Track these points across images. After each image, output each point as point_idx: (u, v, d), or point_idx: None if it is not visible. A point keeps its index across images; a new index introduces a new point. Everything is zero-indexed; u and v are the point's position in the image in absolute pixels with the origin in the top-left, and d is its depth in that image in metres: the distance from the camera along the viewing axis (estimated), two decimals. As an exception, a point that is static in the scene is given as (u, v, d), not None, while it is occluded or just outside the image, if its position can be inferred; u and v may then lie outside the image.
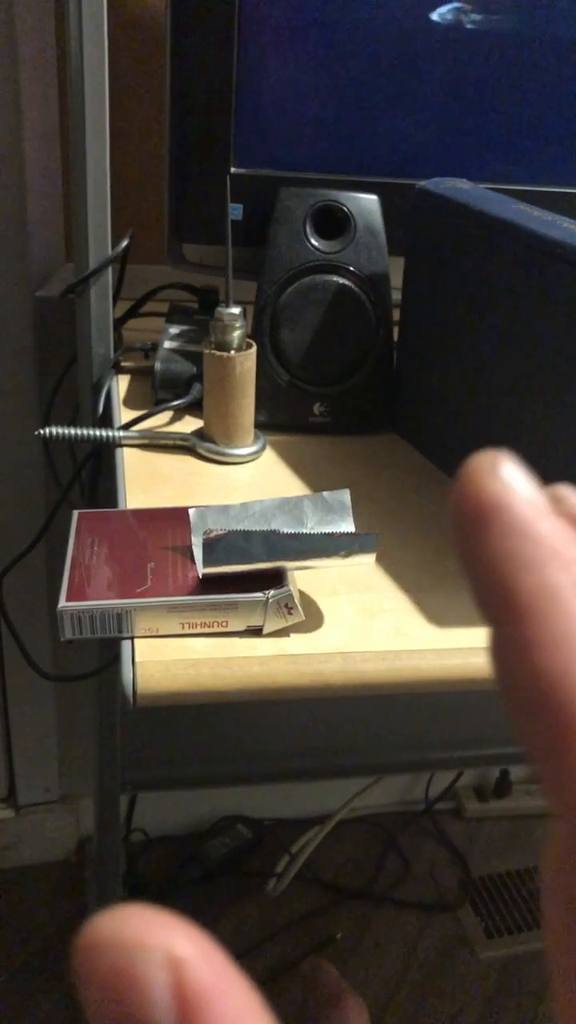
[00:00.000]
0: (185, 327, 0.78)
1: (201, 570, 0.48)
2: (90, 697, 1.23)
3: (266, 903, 1.35)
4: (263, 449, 0.68)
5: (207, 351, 0.64)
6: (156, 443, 0.67)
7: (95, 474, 0.76)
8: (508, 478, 0.15)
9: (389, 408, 0.73)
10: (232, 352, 0.63)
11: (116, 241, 0.75)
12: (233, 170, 0.73)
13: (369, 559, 0.48)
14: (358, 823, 1.48)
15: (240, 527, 0.52)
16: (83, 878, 1.38)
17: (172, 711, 0.47)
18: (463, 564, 0.15)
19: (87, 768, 1.35)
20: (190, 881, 1.37)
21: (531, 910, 1.38)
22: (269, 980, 1.24)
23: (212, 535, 0.47)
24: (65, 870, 1.40)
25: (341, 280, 0.69)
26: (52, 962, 1.26)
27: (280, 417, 0.71)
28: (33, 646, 1.08)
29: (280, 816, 1.47)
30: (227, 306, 0.64)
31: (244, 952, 1.27)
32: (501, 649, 0.14)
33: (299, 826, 1.44)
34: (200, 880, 1.38)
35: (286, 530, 0.49)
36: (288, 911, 1.34)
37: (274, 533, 0.48)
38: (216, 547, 0.47)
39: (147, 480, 0.63)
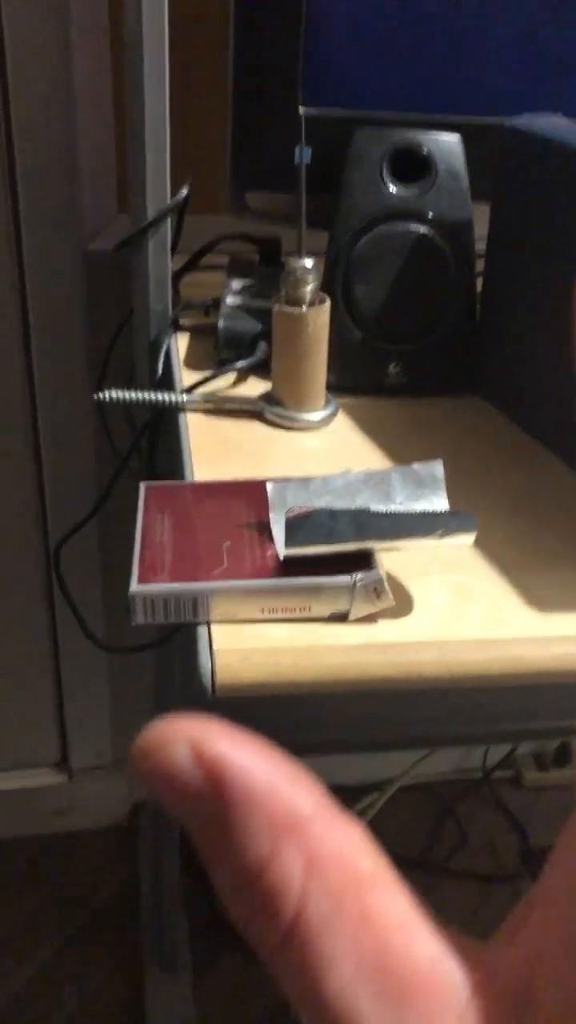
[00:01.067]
0: (248, 281, 0.74)
1: (283, 551, 0.44)
2: (144, 665, 1.20)
3: (322, 872, 1.33)
4: (335, 414, 0.63)
5: (277, 307, 0.59)
6: (221, 407, 0.63)
7: (153, 441, 0.71)
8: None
9: (471, 368, 0.68)
10: (304, 308, 0.59)
11: (175, 190, 0.70)
12: (302, 110, 0.67)
13: (468, 539, 0.44)
14: (414, 791, 1.45)
15: (322, 503, 0.47)
16: (137, 843, 1.37)
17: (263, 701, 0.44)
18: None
19: (142, 731, 1.33)
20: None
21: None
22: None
23: (295, 513, 0.43)
24: (119, 835, 1.39)
25: (421, 228, 0.63)
26: (107, 927, 1.25)
27: (352, 378, 0.66)
28: (87, 614, 1.05)
29: (337, 782, 1.44)
30: (299, 257, 0.59)
31: (300, 921, 1.26)
32: None
33: (356, 793, 1.41)
34: (255, 848, 1.36)
35: (374, 507, 0.45)
36: (344, 880, 1.32)
37: (363, 512, 0.43)
38: (300, 526, 0.43)
39: (213, 448, 0.59)
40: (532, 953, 0.14)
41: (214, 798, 0.14)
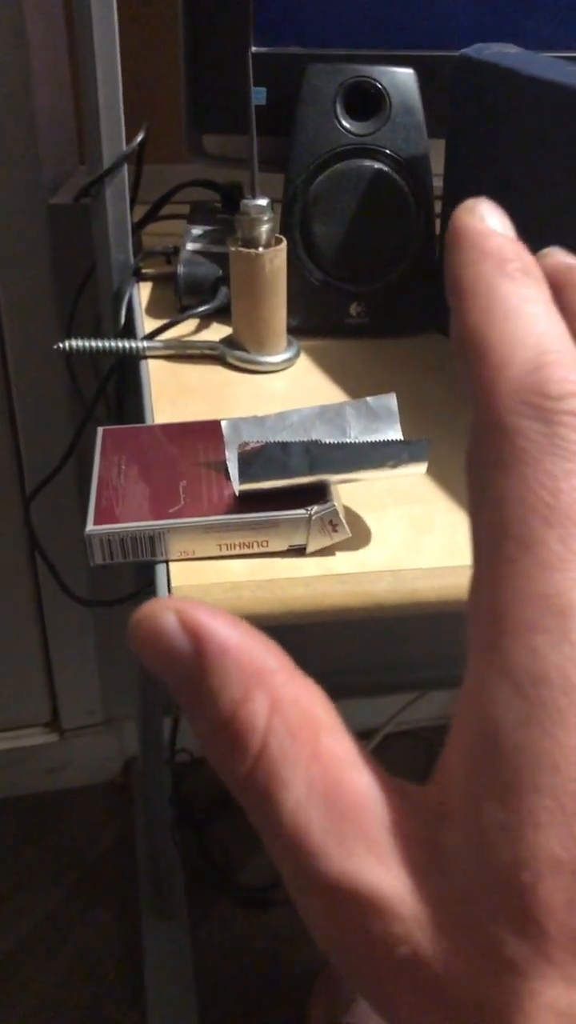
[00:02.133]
0: (208, 227, 0.73)
1: (237, 487, 0.44)
2: (129, 620, 1.21)
3: (313, 819, 1.35)
4: (297, 356, 0.63)
5: (233, 249, 0.59)
6: (182, 353, 0.62)
7: (121, 389, 0.71)
8: (480, 212, 0.20)
9: (433, 306, 0.67)
10: (260, 249, 0.58)
11: (131, 137, 0.70)
12: (254, 49, 0.66)
13: (420, 469, 0.44)
14: (403, 737, 1.47)
15: (277, 439, 0.47)
16: (130, 799, 1.39)
17: None
18: (447, 284, 0.19)
19: (130, 690, 1.34)
20: (237, 800, 1.37)
21: None
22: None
23: (248, 448, 0.43)
24: (112, 791, 1.40)
25: (377, 165, 0.63)
26: (104, 879, 1.28)
27: (314, 320, 0.66)
28: (68, 570, 1.06)
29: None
30: (253, 198, 0.58)
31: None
32: (453, 328, 0.19)
33: (344, 742, 1.42)
34: (246, 798, 1.37)
35: (328, 440, 0.45)
36: (336, 826, 1.34)
37: (315, 444, 0.43)
38: (253, 461, 0.43)
39: (174, 393, 0.59)
40: (445, 779, 0.17)
41: (195, 654, 0.17)
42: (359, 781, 0.17)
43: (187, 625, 0.17)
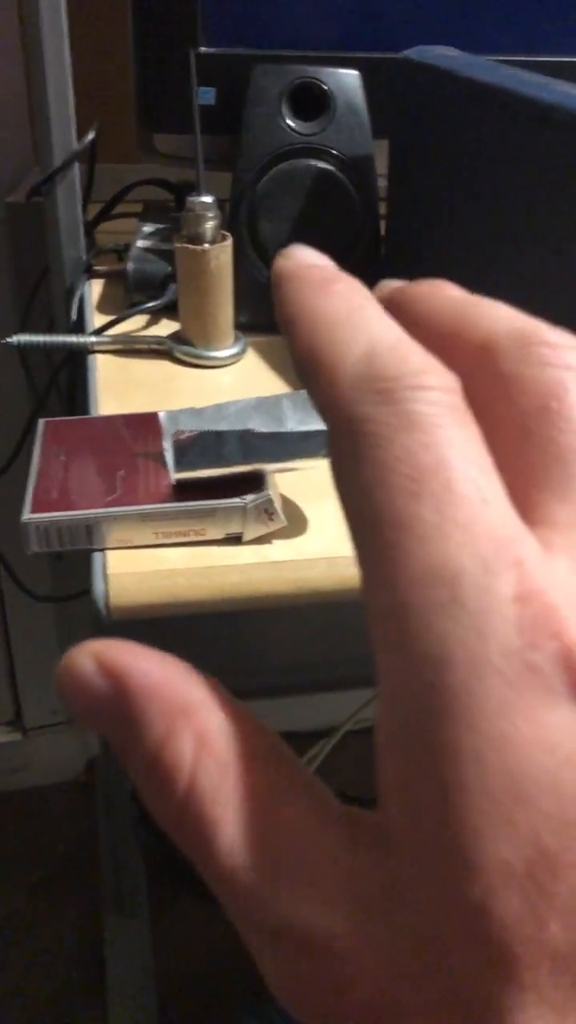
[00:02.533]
0: (160, 225, 0.74)
1: (173, 475, 0.45)
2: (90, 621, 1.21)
3: (276, 815, 1.36)
4: (244, 351, 0.64)
5: (179, 245, 0.60)
6: (130, 348, 0.63)
7: (73, 383, 0.72)
8: (296, 254, 0.21)
9: (378, 303, 0.69)
10: (206, 245, 0.59)
11: (83, 135, 0.70)
12: (201, 49, 0.67)
13: (353, 458, 0.45)
14: (364, 734, 1.48)
15: (216, 429, 0.48)
16: (93, 797, 1.39)
17: (168, 630, 0.45)
18: (279, 325, 0.19)
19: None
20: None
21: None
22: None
23: (183, 436, 0.44)
24: (76, 790, 1.41)
25: (322, 164, 0.64)
26: (67, 877, 1.28)
27: (262, 317, 0.67)
28: (24, 567, 1.06)
29: (285, 729, 1.47)
30: (199, 195, 0.59)
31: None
32: (293, 358, 0.19)
33: (305, 739, 1.43)
34: (209, 795, 1.38)
35: (263, 430, 0.46)
36: (298, 822, 1.35)
37: (249, 433, 0.44)
38: (188, 450, 0.44)
39: (121, 387, 0.60)
40: (383, 800, 0.15)
41: (116, 695, 0.16)
42: (299, 814, 0.16)
43: (106, 667, 0.17)
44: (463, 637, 0.14)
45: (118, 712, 0.16)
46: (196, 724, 0.16)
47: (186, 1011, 1.11)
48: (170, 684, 0.17)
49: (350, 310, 0.18)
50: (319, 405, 0.17)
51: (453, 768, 0.13)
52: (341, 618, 0.50)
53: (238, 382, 0.61)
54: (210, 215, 0.59)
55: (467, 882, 0.13)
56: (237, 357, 0.63)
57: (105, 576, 0.44)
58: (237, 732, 0.16)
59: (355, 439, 0.16)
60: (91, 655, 0.17)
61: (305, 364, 0.18)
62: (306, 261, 0.20)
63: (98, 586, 0.44)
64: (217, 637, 0.51)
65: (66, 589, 1.19)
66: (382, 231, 0.68)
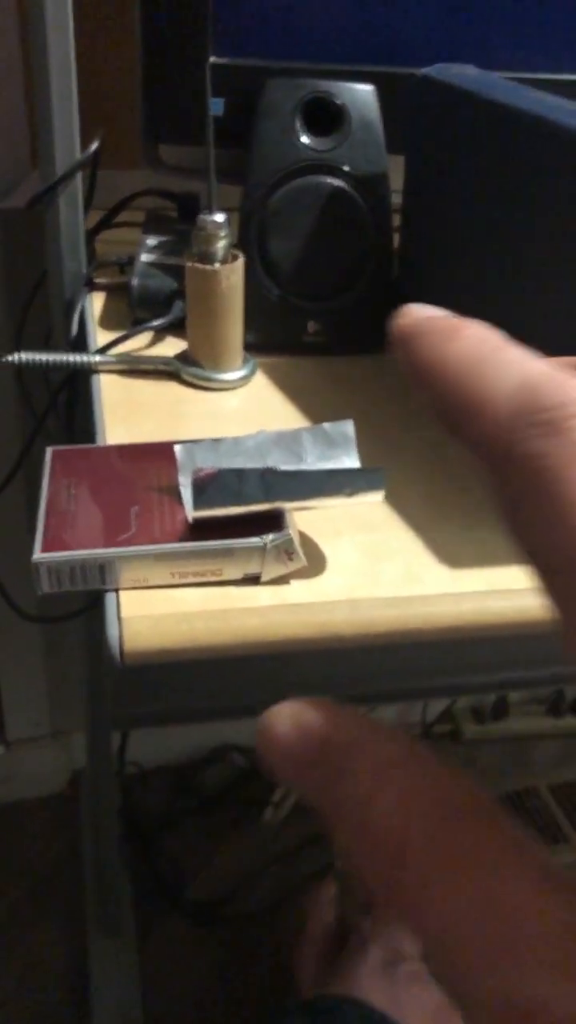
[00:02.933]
0: (164, 238, 0.72)
1: (191, 514, 0.43)
2: (77, 636, 1.19)
3: (264, 832, 1.34)
4: (253, 373, 0.62)
5: (189, 264, 0.58)
6: (136, 368, 0.61)
7: (71, 403, 0.70)
8: (412, 311, 0.20)
9: (390, 324, 0.67)
10: (217, 265, 0.57)
11: (86, 144, 0.68)
12: (213, 60, 0.65)
13: (377, 497, 0.43)
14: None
15: (232, 464, 0.46)
16: (77, 811, 1.37)
17: (181, 673, 0.43)
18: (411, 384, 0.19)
19: (77, 702, 1.32)
20: (186, 812, 1.36)
21: (533, 829, 1.38)
22: (269, 909, 1.24)
23: (202, 474, 0.42)
24: (59, 804, 1.38)
25: (335, 182, 0.62)
26: (51, 893, 1.25)
27: (271, 337, 0.65)
28: (15, 585, 1.03)
29: (275, 744, 1.45)
30: (210, 212, 0.57)
31: (242, 881, 1.26)
32: (437, 411, 0.18)
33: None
34: (197, 811, 1.36)
35: (283, 467, 0.44)
36: (286, 839, 1.33)
37: (270, 471, 0.42)
38: (207, 488, 0.42)
39: (127, 410, 0.58)
40: None
41: (319, 755, 0.17)
42: (516, 879, 0.15)
43: (304, 728, 0.17)
44: None
45: (323, 772, 0.17)
46: (402, 778, 0.16)
47: (173, 1035, 1.09)
48: (374, 739, 0.17)
49: (492, 348, 0.18)
50: (475, 447, 0.17)
51: None
52: (363, 662, 0.49)
53: (247, 406, 0.59)
54: (222, 234, 0.57)
55: None
56: (246, 379, 0.61)
57: (119, 619, 0.42)
58: (446, 786, 0.16)
59: (529, 477, 0.16)
60: (289, 717, 0.18)
61: (453, 408, 0.17)
62: (426, 314, 0.20)
63: (112, 631, 0.42)
64: (235, 680, 0.49)
65: (53, 608, 1.16)
66: (394, 248, 0.66)
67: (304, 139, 0.62)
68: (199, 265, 0.57)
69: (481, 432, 0.17)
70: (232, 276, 0.58)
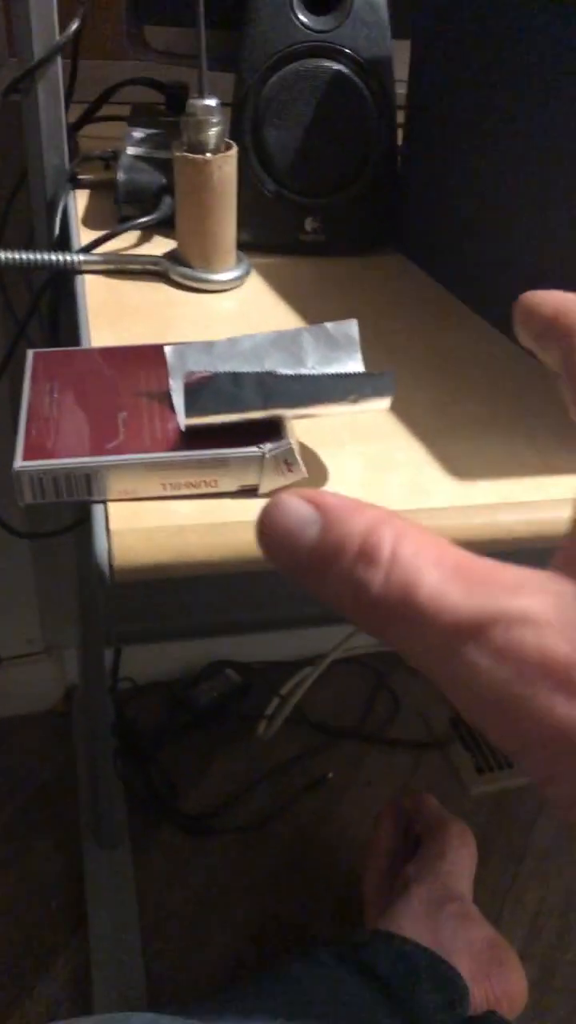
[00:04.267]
0: (152, 130, 0.67)
1: (183, 421, 0.40)
2: (69, 551, 1.17)
3: (257, 746, 1.34)
4: (247, 274, 0.59)
5: (178, 154, 0.54)
6: (122, 268, 0.57)
7: (55, 308, 0.66)
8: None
9: (393, 224, 0.63)
10: (208, 154, 0.53)
11: (65, 25, 0.63)
12: None
13: (384, 404, 0.40)
14: (348, 664, 1.46)
15: (227, 367, 0.43)
16: (72, 726, 1.37)
17: (169, 580, 0.41)
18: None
19: (70, 618, 1.31)
20: (180, 727, 1.36)
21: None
22: (262, 821, 1.25)
23: (195, 378, 0.39)
24: (53, 719, 1.38)
25: (336, 66, 0.58)
26: (45, 810, 1.26)
27: (266, 235, 0.61)
28: (4, 498, 1.01)
29: (269, 659, 1.45)
30: (200, 97, 0.53)
31: (236, 795, 1.27)
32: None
33: (289, 669, 1.41)
34: (190, 726, 1.36)
35: (283, 370, 0.41)
36: (279, 753, 1.34)
37: (270, 375, 0.39)
38: (200, 393, 0.39)
39: (114, 313, 0.54)
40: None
41: (320, 517, 0.20)
42: (482, 561, 0.19)
43: (309, 499, 0.20)
44: None
45: (320, 530, 0.20)
46: (392, 525, 0.19)
47: (170, 942, 1.11)
48: (366, 507, 0.20)
49: None
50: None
51: None
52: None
53: (241, 308, 0.56)
54: (214, 120, 0.53)
55: None
56: (240, 280, 0.58)
57: (108, 532, 0.39)
58: (427, 533, 0.20)
59: None
60: (294, 492, 0.21)
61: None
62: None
63: (100, 544, 0.39)
64: (224, 591, 0.47)
65: (43, 523, 1.14)
66: (398, 143, 0.62)
67: (302, 17, 0.57)
68: (189, 155, 0.53)
69: None
70: (225, 167, 0.54)
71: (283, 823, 1.25)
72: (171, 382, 0.43)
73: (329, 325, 0.44)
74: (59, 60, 0.62)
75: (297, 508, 0.20)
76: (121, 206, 0.62)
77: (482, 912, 0.99)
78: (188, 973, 1.08)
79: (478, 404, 0.49)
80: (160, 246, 0.60)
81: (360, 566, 0.19)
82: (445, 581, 0.19)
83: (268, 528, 0.21)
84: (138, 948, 1.09)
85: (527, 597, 0.18)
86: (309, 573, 0.20)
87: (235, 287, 0.58)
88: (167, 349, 0.43)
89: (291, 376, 0.40)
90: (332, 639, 1.38)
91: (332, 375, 0.40)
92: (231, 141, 0.55)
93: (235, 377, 0.39)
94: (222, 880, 1.18)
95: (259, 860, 1.21)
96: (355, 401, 0.40)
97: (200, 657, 1.43)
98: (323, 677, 1.41)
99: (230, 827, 1.23)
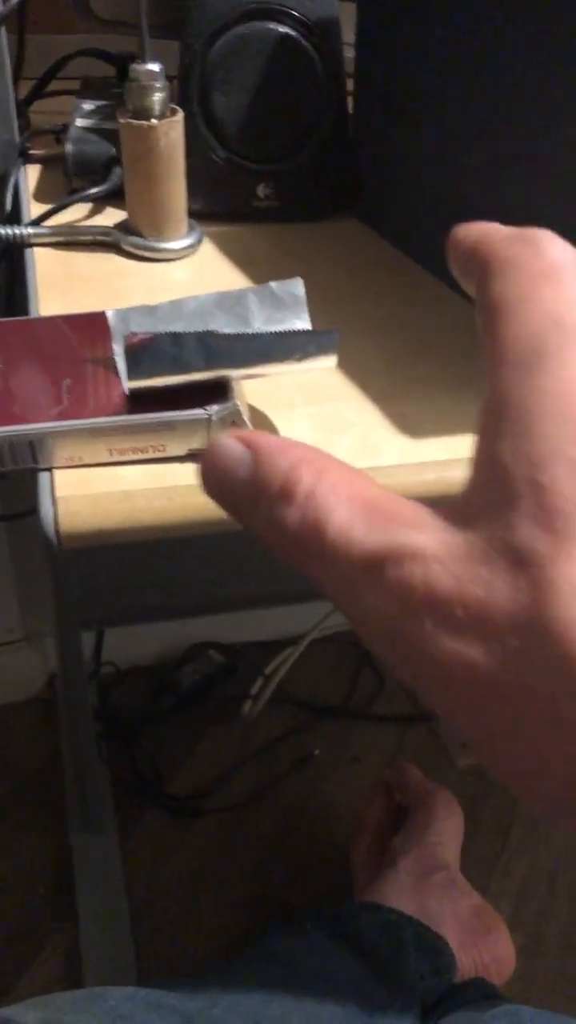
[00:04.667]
0: (102, 102, 0.66)
1: (126, 385, 0.40)
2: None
3: (242, 726, 1.34)
4: (199, 242, 0.58)
5: (123, 121, 0.53)
6: (73, 240, 0.57)
7: (9, 280, 0.65)
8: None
9: (347, 188, 0.62)
10: (153, 120, 0.52)
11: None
12: None
13: (330, 362, 0.40)
14: (331, 642, 1.46)
15: (171, 330, 0.43)
16: (56, 714, 1.36)
17: (130, 552, 0.41)
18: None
19: (49, 605, 1.30)
20: (165, 710, 1.35)
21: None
22: (249, 801, 1.25)
23: (135, 340, 0.39)
24: (37, 707, 1.38)
25: (282, 28, 0.57)
26: (31, 797, 1.26)
27: (218, 203, 0.60)
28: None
29: (253, 640, 1.45)
30: (143, 62, 0.52)
31: (223, 775, 1.27)
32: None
33: (272, 648, 1.41)
34: (175, 709, 1.36)
35: (226, 331, 0.40)
36: (265, 732, 1.34)
37: (211, 335, 0.39)
38: (142, 356, 0.39)
39: (65, 284, 0.54)
40: (467, 490, 0.19)
41: (250, 456, 0.21)
42: (394, 498, 0.20)
43: (242, 439, 0.21)
44: (557, 336, 0.20)
45: (250, 467, 0.21)
46: (315, 462, 0.20)
47: (159, 926, 1.11)
48: (294, 445, 0.21)
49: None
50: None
51: (538, 404, 0.19)
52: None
53: (194, 277, 0.55)
54: (157, 85, 0.52)
55: (537, 471, 0.18)
56: (192, 249, 0.57)
57: (53, 498, 0.39)
58: (347, 468, 0.20)
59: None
60: (232, 434, 0.21)
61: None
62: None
63: (46, 510, 0.39)
64: (183, 559, 0.46)
65: (15, 507, 1.13)
66: (349, 108, 0.61)
67: (246, -21, 0.56)
68: (134, 121, 0.53)
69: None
70: (171, 132, 0.53)
71: (270, 802, 1.25)
72: (114, 347, 0.42)
73: (274, 284, 0.44)
74: (3, 33, 0.61)
75: (231, 448, 0.21)
76: (71, 178, 0.61)
77: (470, 882, 1.00)
78: (179, 954, 1.08)
79: (431, 364, 0.49)
80: (112, 217, 0.60)
81: (279, 504, 0.20)
82: (353, 517, 0.19)
83: (206, 467, 0.22)
84: (128, 931, 1.09)
85: (421, 533, 0.19)
86: (241, 510, 0.21)
87: (187, 255, 0.57)
88: (109, 313, 0.43)
89: (233, 336, 0.39)
90: (312, 617, 1.38)
91: (275, 333, 0.39)
92: (176, 107, 0.54)
93: (176, 337, 0.39)
94: (210, 860, 1.18)
95: (247, 839, 1.21)
96: (300, 360, 0.40)
97: (182, 640, 1.43)
98: (307, 656, 1.40)
99: (217, 808, 1.23)
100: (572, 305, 0.20)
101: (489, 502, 0.18)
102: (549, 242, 0.22)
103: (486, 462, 0.19)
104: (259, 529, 0.21)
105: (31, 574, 1.26)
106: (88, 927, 1.09)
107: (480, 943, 0.95)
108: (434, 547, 0.18)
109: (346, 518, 0.19)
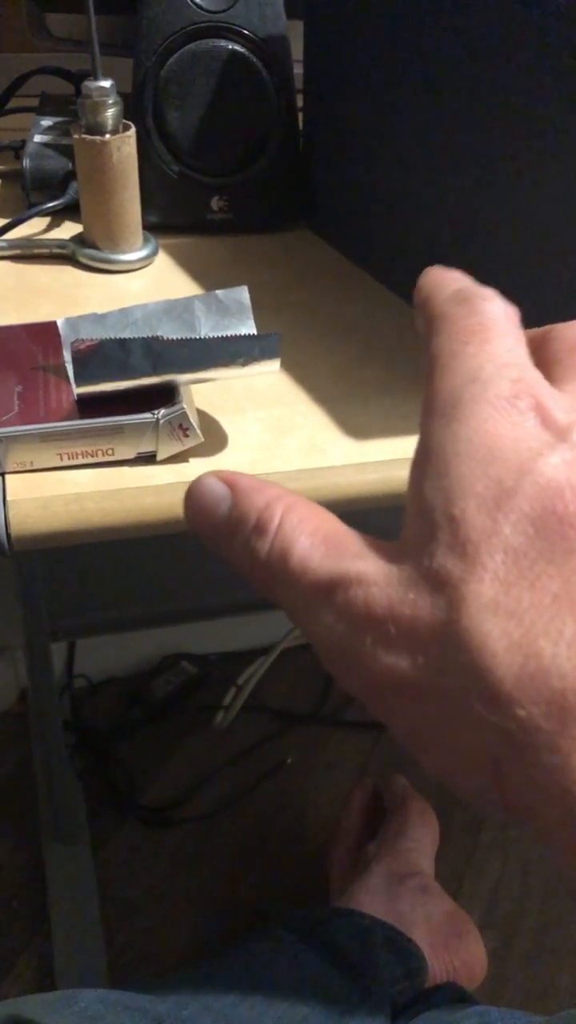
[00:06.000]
0: (60, 119, 0.68)
1: (75, 390, 0.41)
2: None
3: (215, 736, 1.35)
4: (155, 253, 0.59)
5: (77, 137, 0.54)
6: (30, 253, 0.58)
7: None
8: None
9: (299, 200, 0.64)
10: (107, 135, 0.54)
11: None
12: None
13: (273, 366, 0.41)
14: (304, 650, 1.47)
15: (121, 337, 0.44)
16: (28, 727, 1.37)
17: (101, 554, 0.42)
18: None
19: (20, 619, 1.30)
20: (138, 722, 1.36)
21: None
22: (224, 808, 1.25)
23: (83, 346, 0.40)
24: (9, 720, 1.38)
25: (232, 45, 0.58)
26: (4, 811, 1.26)
27: (173, 216, 0.62)
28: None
29: (225, 650, 1.46)
30: (95, 79, 0.53)
31: (196, 785, 1.28)
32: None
33: (244, 658, 1.42)
34: (148, 720, 1.36)
35: (172, 337, 0.42)
36: (238, 741, 1.35)
37: (156, 340, 0.40)
38: (89, 361, 0.40)
39: (21, 296, 0.55)
40: (404, 533, 0.23)
41: (230, 494, 0.24)
42: (348, 532, 0.23)
43: (223, 478, 0.25)
44: (473, 390, 0.22)
45: (230, 505, 0.24)
46: (285, 502, 0.24)
47: (133, 936, 1.11)
48: (268, 487, 0.24)
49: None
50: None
51: (453, 448, 0.21)
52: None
53: (150, 288, 0.57)
54: (110, 101, 0.53)
55: (451, 505, 0.21)
56: (147, 260, 0.58)
57: (4, 502, 0.40)
58: (315, 508, 0.24)
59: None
60: (214, 473, 0.25)
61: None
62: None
63: (-3, 514, 0.40)
64: (153, 569, 0.47)
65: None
66: (299, 122, 0.63)
67: (196, -2, 0.58)
68: (87, 137, 0.54)
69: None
70: (124, 147, 0.54)
71: (244, 810, 1.26)
72: (65, 354, 0.44)
73: (220, 292, 0.45)
74: (-40, 51, 0.63)
75: (212, 486, 0.25)
76: (29, 193, 0.62)
77: (443, 885, 1.01)
78: (153, 964, 1.08)
79: (377, 369, 0.50)
80: (70, 231, 0.61)
81: (254, 536, 0.23)
82: (313, 547, 0.23)
83: (189, 504, 0.25)
84: (101, 940, 1.09)
85: (365, 562, 0.22)
86: (221, 542, 0.24)
87: (143, 267, 0.58)
88: (59, 322, 0.44)
89: (178, 341, 0.40)
90: (287, 626, 1.39)
91: (218, 338, 0.40)
92: (129, 123, 0.56)
93: (122, 343, 0.40)
94: (184, 870, 1.18)
95: (221, 848, 1.21)
96: (244, 364, 0.41)
97: (154, 651, 1.43)
98: (280, 665, 1.41)
99: (191, 817, 1.24)
100: (491, 360, 0.23)
101: (416, 533, 0.21)
102: (482, 300, 0.24)
103: (415, 498, 0.22)
104: (236, 558, 0.24)
105: (1, 589, 1.27)
106: (61, 938, 1.09)
107: (452, 947, 0.96)
108: (374, 573, 0.21)
109: (307, 548, 0.23)
